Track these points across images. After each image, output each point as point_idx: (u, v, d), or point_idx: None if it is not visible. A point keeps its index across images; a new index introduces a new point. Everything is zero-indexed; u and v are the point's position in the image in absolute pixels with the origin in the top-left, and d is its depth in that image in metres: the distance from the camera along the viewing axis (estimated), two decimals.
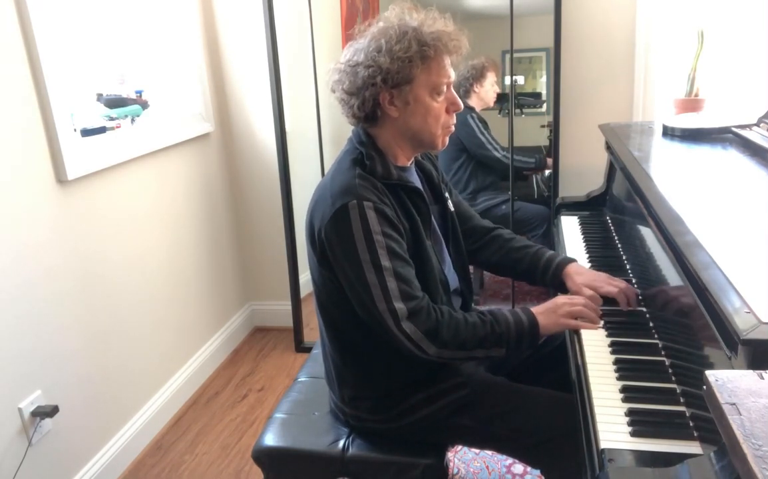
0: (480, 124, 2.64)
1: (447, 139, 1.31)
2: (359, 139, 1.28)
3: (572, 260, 1.43)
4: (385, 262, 1.15)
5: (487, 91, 2.67)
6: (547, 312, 1.24)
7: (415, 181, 1.34)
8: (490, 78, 2.66)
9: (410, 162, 1.34)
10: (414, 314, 1.16)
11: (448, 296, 1.35)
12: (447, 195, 1.45)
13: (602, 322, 1.24)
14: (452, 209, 1.45)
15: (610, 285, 1.32)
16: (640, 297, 1.31)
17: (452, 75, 1.25)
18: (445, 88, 1.24)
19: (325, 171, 2.80)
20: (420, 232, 1.26)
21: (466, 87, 2.66)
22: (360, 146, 1.26)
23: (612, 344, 1.15)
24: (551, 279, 1.42)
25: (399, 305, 1.15)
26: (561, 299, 1.28)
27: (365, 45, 1.20)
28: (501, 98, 2.75)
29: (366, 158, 1.23)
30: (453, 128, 1.30)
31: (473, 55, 2.62)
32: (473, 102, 2.68)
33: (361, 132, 1.28)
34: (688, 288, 0.92)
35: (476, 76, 2.64)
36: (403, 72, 1.18)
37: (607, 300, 1.30)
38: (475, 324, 1.20)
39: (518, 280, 1.58)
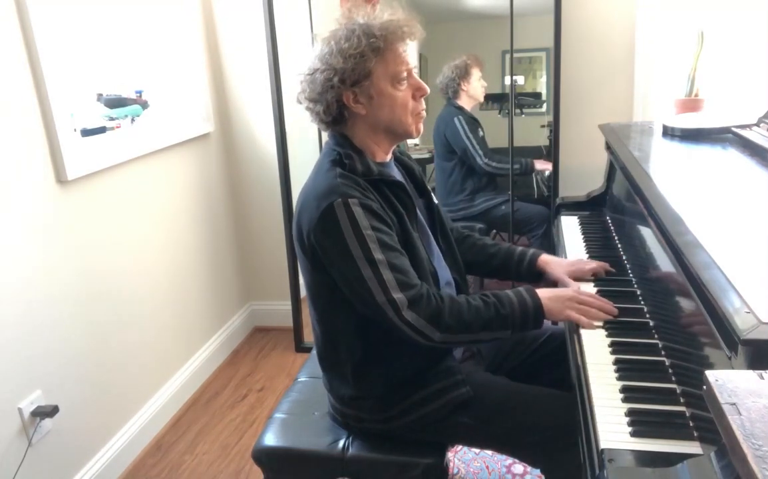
0: (467, 126, 2.63)
1: (421, 126, 1.31)
2: (336, 141, 1.29)
3: (541, 252, 1.51)
4: (378, 255, 1.15)
5: (475, 87, 2.67)
6: (555, 298, 1.24)
7: (396, 175, 1.35)
8: (476, 73, 2.66)
9: (389, 157, 1.35)
10: (414, 302, 1.16)
11: (438, 288, 1.35)
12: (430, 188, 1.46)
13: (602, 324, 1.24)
14: (437, 202, 1.45)
15: (589, 264, 1.43)
16: (639, 293, 1.31)
17: (410, 61, 1.26)
18: (405, 74, 1.25)
19: None
20: (406, 225, 1.26)
21: (453, 88, 2.66)
22: (337, 147, 1.27)
23: (612, 344, 1.15)
24: (527, 269, 1.49)
25: (398, 295, 1.15)
26: (571, 292, 1.27)
27: (318, 51, 1.23)
28: (501, 98, 2.75)
29: (345, 158, 1.24)
30: (424, 113, 1.30)
31: (455, 56, 2.63)
32: (463, 101, 2.68)
33: (337, 134, 1.30)
34: (688, 289, 0.92)
35: (461, 74, 2.64)
36: (359, 68, 1.19)
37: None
38: (479, 308, 1.20)
39: (491, 277, 1.65)
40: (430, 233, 1.40)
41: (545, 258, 1.49)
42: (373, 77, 1.21)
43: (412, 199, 1.33)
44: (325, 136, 2.68)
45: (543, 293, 1.24)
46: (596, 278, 1.43)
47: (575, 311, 1.22)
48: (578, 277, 1.43)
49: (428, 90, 1.29)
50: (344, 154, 1.25)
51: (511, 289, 1.25)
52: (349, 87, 1.21)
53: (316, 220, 1.17)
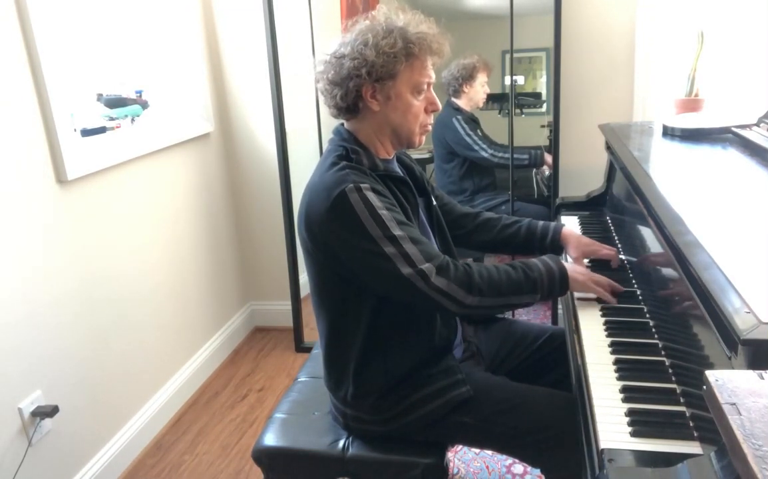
0: (466, 126, 2.62)
1: (423, 138, 1.34)
2: (341, 136, 1.31)
3: (562, 225, 1.55)
4: (398, 232, 1.17)
5: (477, 91, 2.66)
6: (578, 272, 1.29)
7: (400, 172, 1.36)
8: (481, 78, 2.65)
9: (392, 156, 1.36)
10: (442, 269, 1.17)
11: None
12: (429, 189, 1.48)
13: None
14: (435, 203, 1.47)
15: (603, 249, 1.47)
16: (639, 293, 1.31)
17: (433, 76, 1.29)
18: (425, 87, 1.28)
19: None
20: (411, 221, 1.27)
21: (455, 86, 2.65)
22: (343, 143, 1.29)
23: (612, 344, 1.15)
24: (551, 243, 1.52)
25: (425, 265, 1.16)
26: (590, 272, 1.33)
27: (352, 38, 1.23)
28: (501, 98, 2.74)
29: (351, 153, 1.26)
30: (430, 127, 1.34)
31: (467, 54, 2.62)
32: (462, 102, 2.67)
33: (342, 130, 1.32)
34: (688, 289, 0.92)
35: (466, 76, 2.63)
36: (388, 67, 1.21)
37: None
38: (507, 271, 1.22)
39: (514, 254, 1.67)
40: (430, 232, 1.41)
41: (566, 232, 1.53)
42: (397, 80, 1.23)
43: (416, 197, 1.34)
44: (325, 135, 2.69)
45: (566, 264, 1.28)
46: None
47: (597, 285, 1.28)
48: (588, 256, 1.49)
49: (440, 107, 1.33)
50: (350, 149, 1.27)
51: (537, 258, 1.28)
52: (372, 81, 1.22)
53: (329, 208, 1.18)
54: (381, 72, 1.21)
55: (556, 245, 1.52)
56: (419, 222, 1.34)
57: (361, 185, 1.18)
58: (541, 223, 1.56)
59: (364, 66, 1.20)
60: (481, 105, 2.69)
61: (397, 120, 1.27)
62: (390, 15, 1.25)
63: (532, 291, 1.22)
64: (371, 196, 1.18)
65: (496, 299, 1.20)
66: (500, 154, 2.61)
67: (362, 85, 1.23)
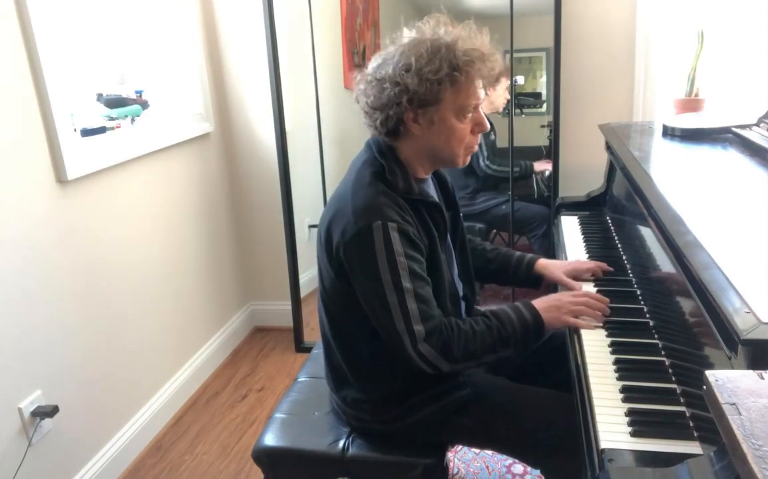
0: None
1: (468, 159, 1.28)
2: (380, 149, 1.25)
3: (539, 257, 1.52)
4: (407, 284, 1.14)
5: (499, 95, 2.64)
6: (551, 308, 1.25)
7: (433, 192, 1.33)
8: (503, 83, 2.63)
9: (428, 175, 1.32)
10: (430, 335, 1.16)
11: (457, 307, 1.35)
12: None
13: (602, 322, 1.24)
14: (462, 215, 1.45)
15: (586, 264, 1.45)
16: (639, 293, 1.31)
17: (482, 96, 1.22)
18: (472, 109, 1.22)
19: (326, 171, 2.82)
20: (436, 248, 1.25)
21: None
22: (381, 158, 1.23)
23: (612, 344, 1.15)
24: (524, 273, 1.50)
25: (418, 327, 1.15)
26: (565, 296, 1.28)
27: (395, 59, 1.16)
28: None
29: (388, 172, 1.21)
30: (476, 148, 1.28)
31: None
32: (483, 104, 2.65)
33: (382, 142, 1.25)
34: (688, 289, 0.92)
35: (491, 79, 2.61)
36: (431, 94, 1.14)
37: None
38: (483, 333, 1.20)
39: (489, 282, 1.67)
40: (452, 250, 1.39)
41: (543, 262, 1.50)
42: (442, 105, 1.17)
43: (446, 221, 1.31)
44: (325, 136, 2.69)
45: (540, 304, 1.25)
46: (595, 278, 1.44)
47: (571, 314, 1.23)
48: (576, 277, 1.44)
49: (488, 127, 1.26)
50: (388, 168, 1.21)
51: (509, 306, 1.25)
52: (414, 108, 1.17)
53: (351, 235, 1.15)
54: (423, 99, 1.14)
55: (530, 275, 1.50)
56: (445, 245, 1.32)
57: (389, 223, 1.14)
58: (516, 253, 1.53)
59: (405, 93, 1.13)
60: (500, 110, 2.66)
61: (439, 144, 1.22)
62: (438, 30, 1.17)
63: (505, 348, 1.21)
64: (395, 238, 1.14)
65: (468, 363, 1.21)
66: (494, 167, 2.63)
67: (404, 111, 1.16)
